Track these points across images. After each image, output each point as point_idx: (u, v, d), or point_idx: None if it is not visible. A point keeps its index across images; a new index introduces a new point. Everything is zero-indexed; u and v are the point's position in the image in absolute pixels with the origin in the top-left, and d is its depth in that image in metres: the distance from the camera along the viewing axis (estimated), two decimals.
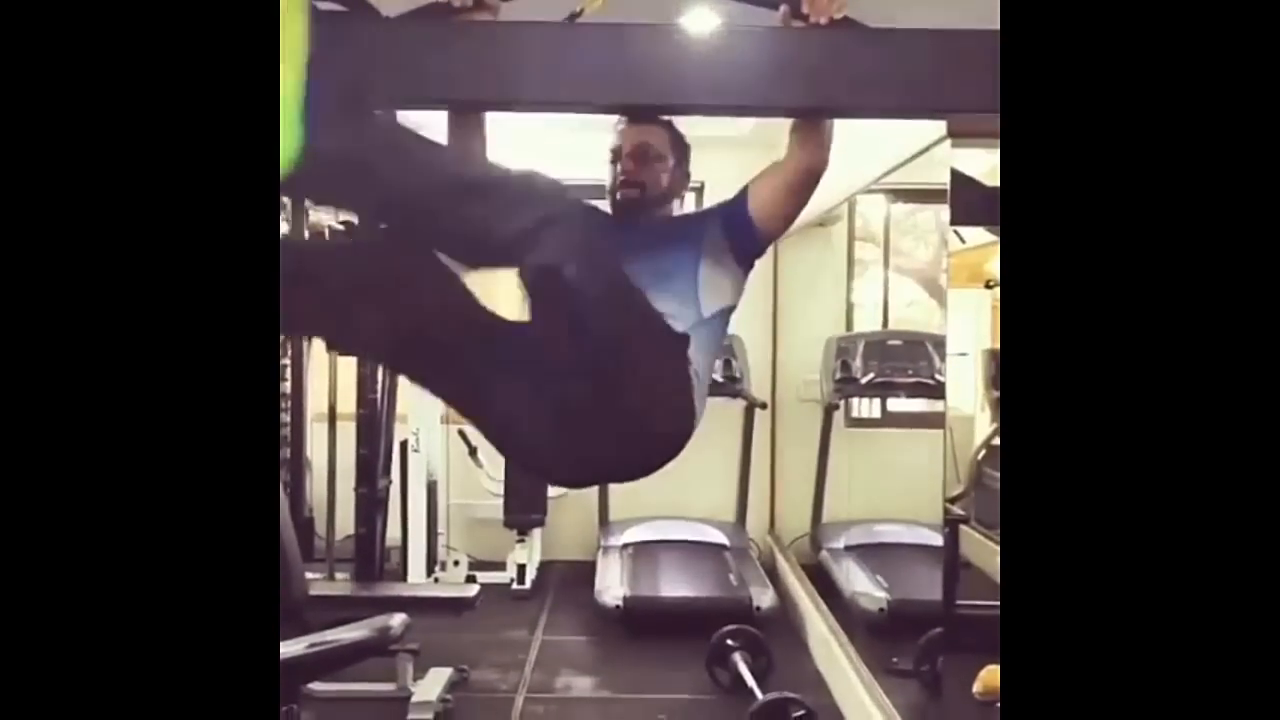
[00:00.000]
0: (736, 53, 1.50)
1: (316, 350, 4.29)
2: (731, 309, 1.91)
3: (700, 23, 3.28)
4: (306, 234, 3.80)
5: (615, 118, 1.96)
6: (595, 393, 1.57)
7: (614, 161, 1.96)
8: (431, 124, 1.61)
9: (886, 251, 5.93)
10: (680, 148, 2.01)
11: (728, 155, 5.21)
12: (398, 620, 2.82)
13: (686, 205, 5.68)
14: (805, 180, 1.83)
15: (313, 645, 2.55)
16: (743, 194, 1.92)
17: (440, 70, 1.49)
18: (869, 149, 3.17)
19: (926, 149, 2.77)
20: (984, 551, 3.74)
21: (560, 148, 3.55)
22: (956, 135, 2.45)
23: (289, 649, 2.45)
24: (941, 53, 1.48)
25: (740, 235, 1.90)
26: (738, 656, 3.81)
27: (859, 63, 1.50)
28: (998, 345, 4.16)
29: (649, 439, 1.71)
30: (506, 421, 1.67)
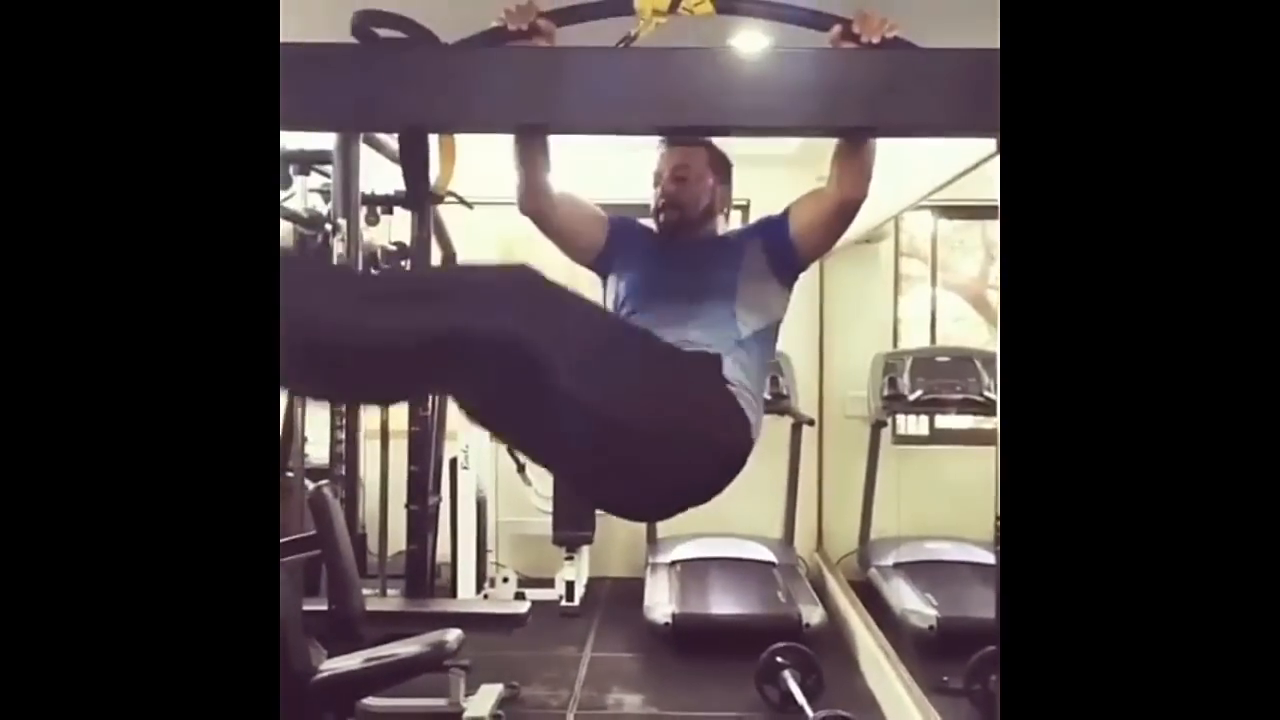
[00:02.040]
0: (787, 74, 1.52)
1: None
2: (777, 324, 1.94)
3: (751, 44, 3.31)
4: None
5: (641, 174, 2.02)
6: (632, 424, 1.60)
7: (656, 184, 2.00)
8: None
9: (934, 267, 5.91)
10: (721, 167, 2.05)
11: (774, 173, 5.23)
12: (453, 636, 2.85)
13: (733, 221, 5.69)
14: (845, 211, 1.87)
15: (369, 660, 2.58)
16: (784, 215, 1.95)
17: (498, 95, 1.52)
18: (917, 167, 3.17)
19: (975, 166, 2.77)
20: None
21: (611, 168, 3.60)
22: None
23: (345, 663, 2.49)
24: (990, 71, 1.49)
25: (781, 255, 1.94)
26: (787, 674, 3.80)
27: (910, 82, 1.52)
28: None
29: (704, 456, 1.73)
30: (568, 468, 1.77)
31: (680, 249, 1.97)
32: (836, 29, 1.61)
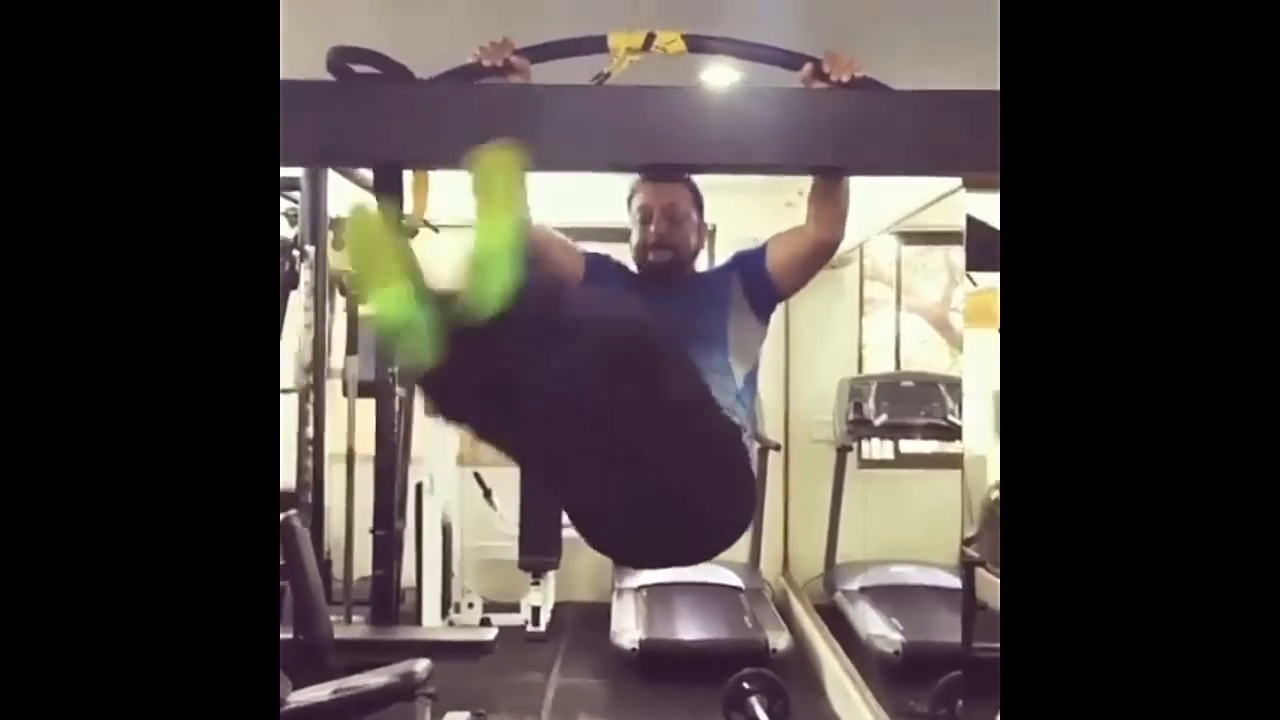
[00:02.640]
0: (759, 113, 1.53)
1: (333, 392, 4.32)
2: (758, 365, 1.93)
3: (721, 78, 3.35)
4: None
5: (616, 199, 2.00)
6: (662, 486, 1.52)
7: (645, 222, 1.95)
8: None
9: (898, 291, 5.97)
10: (699, 202, 2.04)
11: (741, 199, 5.27)
12: (421, 666, 2.83)
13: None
14: (821, 251, 1.88)
15: (338, 691, 2.56)
16: (761, 251, 1.94)
17: (472, 131, 1.52)
18: (885, 198, 3.21)
19: (941, 198, 2.81)
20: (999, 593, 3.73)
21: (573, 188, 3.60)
22: (971, 185, 2.48)
23: (313, 695, 2.47)
24: (957, 113, 1.52)
25: (759, 290, 1.93)
26: (754, 700, 3.81)
27: (879, 122, 1.54)
28: None
29: (715, 525, 1.71)
30: (580, 509, 1.65)
31: (664, 288, 1.92)
32: (807, 68, 1.64)
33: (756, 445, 1.87)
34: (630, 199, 2.01)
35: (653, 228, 1.94)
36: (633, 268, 2.01)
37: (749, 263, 1.97)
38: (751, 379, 1.91)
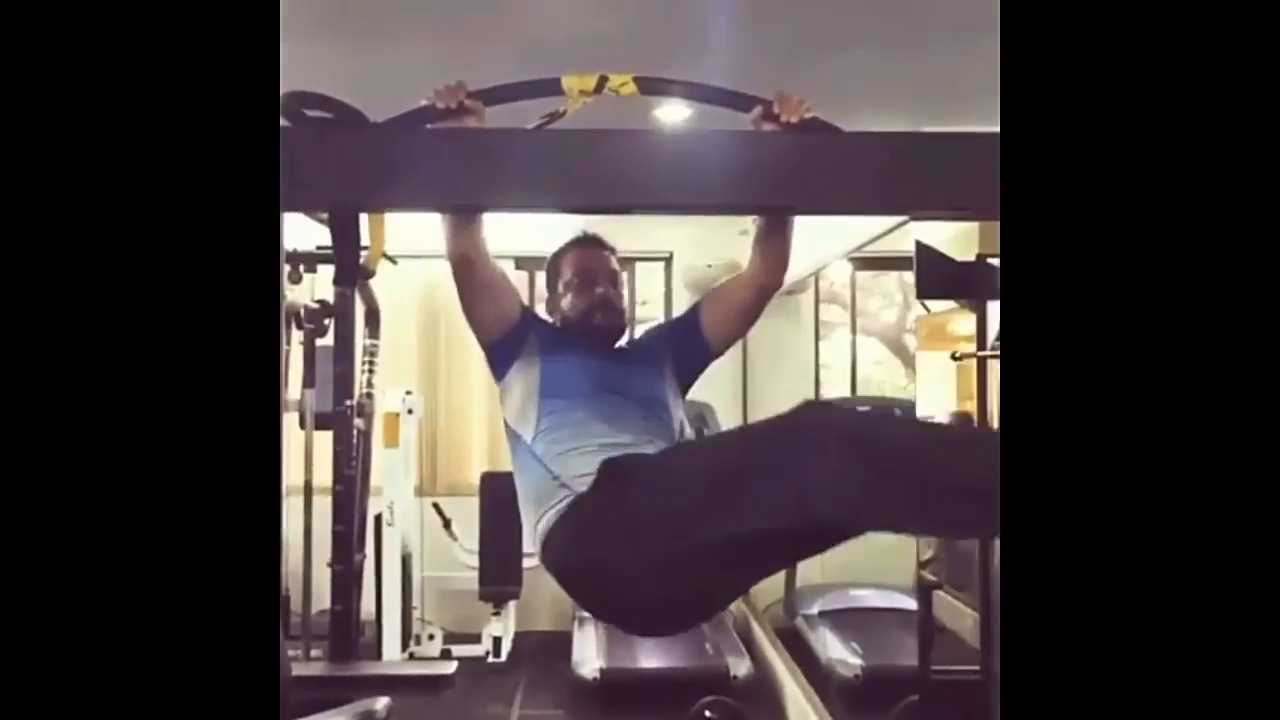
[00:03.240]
0: (710, 155, 1.55)
1: (290, 425, 4.30)
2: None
3: (673, 115, 3.39)
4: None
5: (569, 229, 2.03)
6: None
7: (589, 285, 1.97)
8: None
9: (854, 316, 6.03)
10: (621, 270, 2.08)
11: (695, 228, 5.30)
12: (381, 704, 2.81)
13: (655, 275, 5.74)
14: (762, 297, 1.91)
15: None
16: (694, 316, 1.97)
17: (427, 175, 1.54)
18: (837, 229, 3.26)
19: (892, 230, 2.86)
20: (958, 615, 3.77)
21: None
22: (920, 216, 2.54)
23: None
24: (906, 153, 1.55)
25: (687, 358, 1.95)
26: None
27: (828, 164, 1.57)
28: (963, 408, 4.22)
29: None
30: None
31: (603, 350, 1.96)
32: (757, 110, 1.67)
33: None
34: (558, 264, 2.02)
35: (599, 290, 1.97)
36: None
37: (678, 329, 2.00)
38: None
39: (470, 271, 1.86)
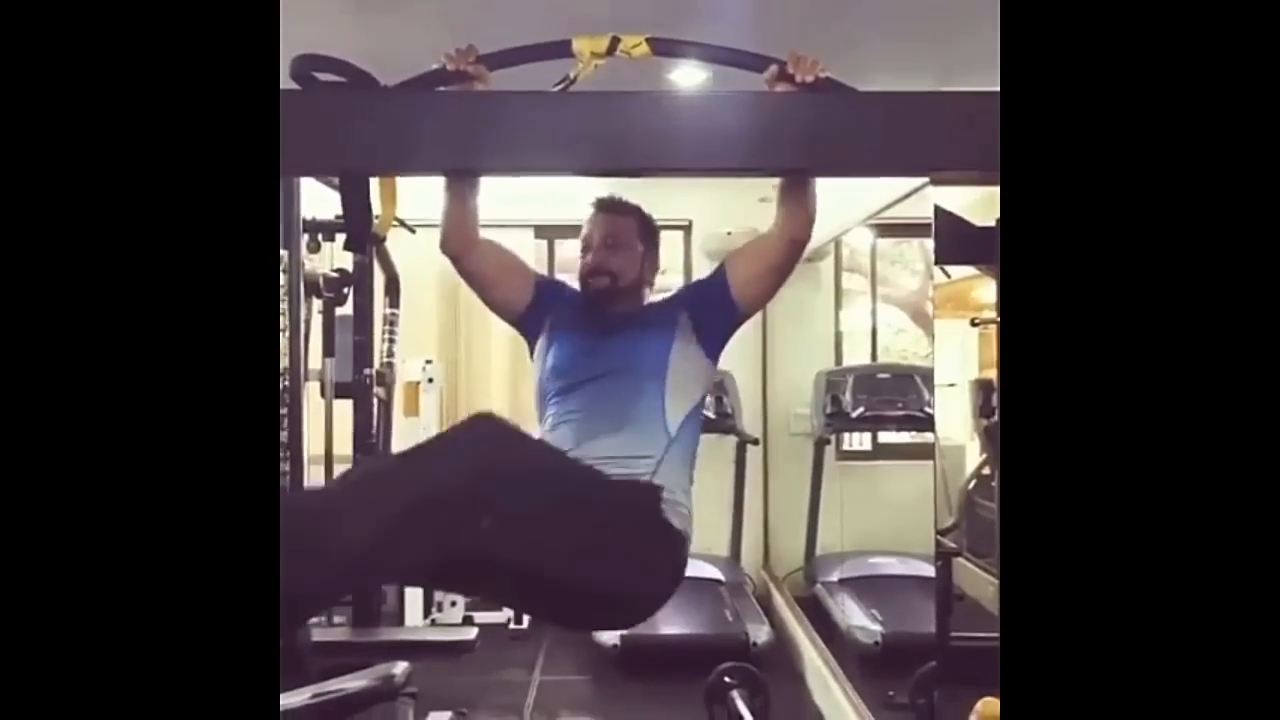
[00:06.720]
0: (724, 117, 1.54)
1: (312, 395, 4.31)
2: (704, 400, 1.94)
3: (688, 79, 3.36)
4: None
5: (590, 197, 2.04)
6: (574, 583, 1.69)
7: (585, 250, 2.01)
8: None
9: (874, 284, 5.99)
10: (649, 235, 2.05)
11: (715, 193, 5.27)
12: (400, 668, 2.84)
13: (675, 243, 5.73)
14: (792, 252, 1.88)
15: (317, 695, 2.56)
16: (721, 277, 1.95)
17: (437, 138, 1.53)
18: (858, 192, 3.23)
19: (913, 192, 2.83)
20: (978, 582, 3.76)
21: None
22: (938, 180, 2.51)
23: (292, 700, 2.47)
24: (921, 113, 1.53)
25: (714, 322, 1.93)
26: (735, 694, 3.82)
27: (843, 124, 1.55)
28: (984, 375, 4.20)
29: (649, 586, 1.81)
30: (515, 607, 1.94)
31: (609, 320, 1.97)
32: (772, 70, 1.65)
33: (690, 480, 1.90)
34: (581, 230, 2.05)
35: (590, 256, 1.98)
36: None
37: (704, 292, 1.98)
38: (693, 417, 1.91)
39: (465, 264, 1.97)
